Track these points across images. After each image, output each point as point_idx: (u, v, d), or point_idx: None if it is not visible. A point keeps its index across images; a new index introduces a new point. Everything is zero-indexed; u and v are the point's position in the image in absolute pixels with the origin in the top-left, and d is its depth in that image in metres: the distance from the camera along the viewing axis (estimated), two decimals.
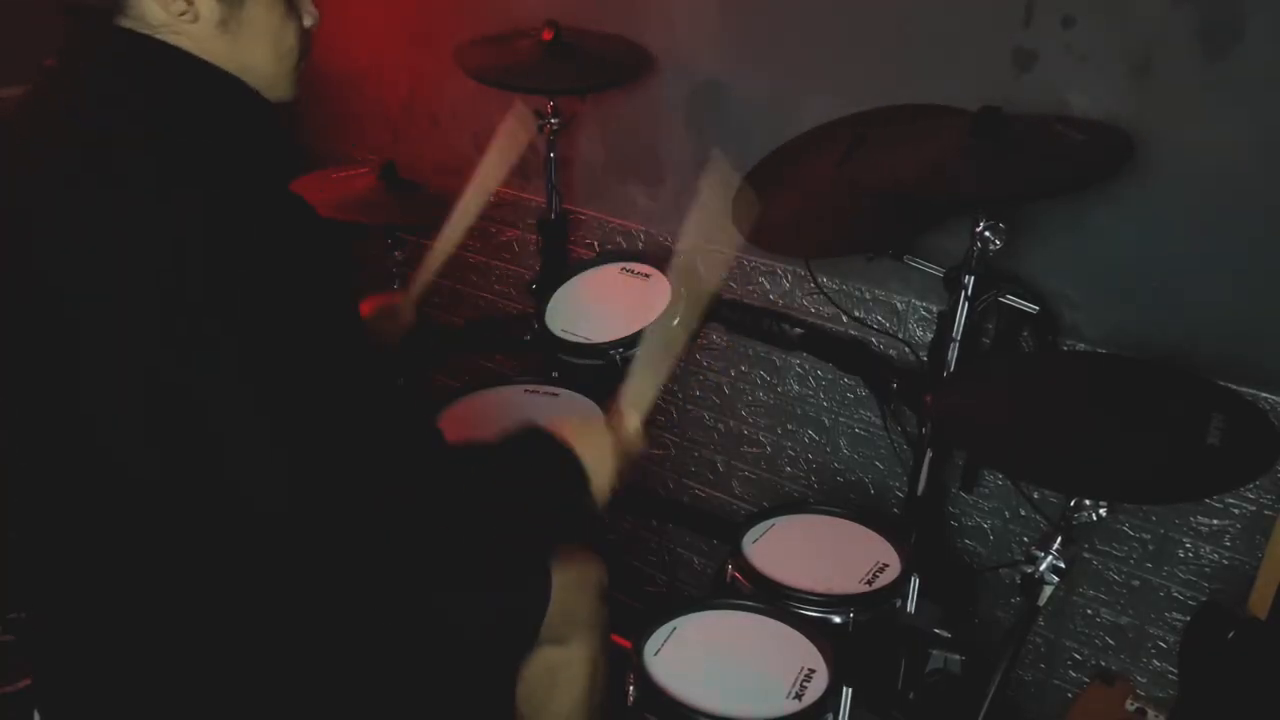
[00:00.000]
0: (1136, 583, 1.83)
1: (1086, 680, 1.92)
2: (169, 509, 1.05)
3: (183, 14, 1.03)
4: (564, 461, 1.23)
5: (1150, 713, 1.72)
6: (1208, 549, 1.74)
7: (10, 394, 1.12)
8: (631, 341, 1.92)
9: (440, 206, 2.23)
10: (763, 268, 2.13)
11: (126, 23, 1.03)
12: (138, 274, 0.95)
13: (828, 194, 1.75)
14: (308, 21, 1.14)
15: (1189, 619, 1.60)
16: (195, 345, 0.95)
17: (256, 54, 1.09)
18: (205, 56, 1.06)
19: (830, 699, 1.40)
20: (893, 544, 1.71)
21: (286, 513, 1.00)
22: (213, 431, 0.98)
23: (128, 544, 1.09)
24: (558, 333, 1.98)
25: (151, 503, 1.05)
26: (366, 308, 1.70)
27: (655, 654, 1.48)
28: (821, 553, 1.69)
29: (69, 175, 1.01)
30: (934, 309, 1.92)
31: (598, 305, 2.04)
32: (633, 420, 1.36)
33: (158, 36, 1.03)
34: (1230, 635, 1.50)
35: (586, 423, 1.30)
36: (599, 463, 1.25)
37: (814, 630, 1.52)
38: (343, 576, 1.12)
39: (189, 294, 0.94)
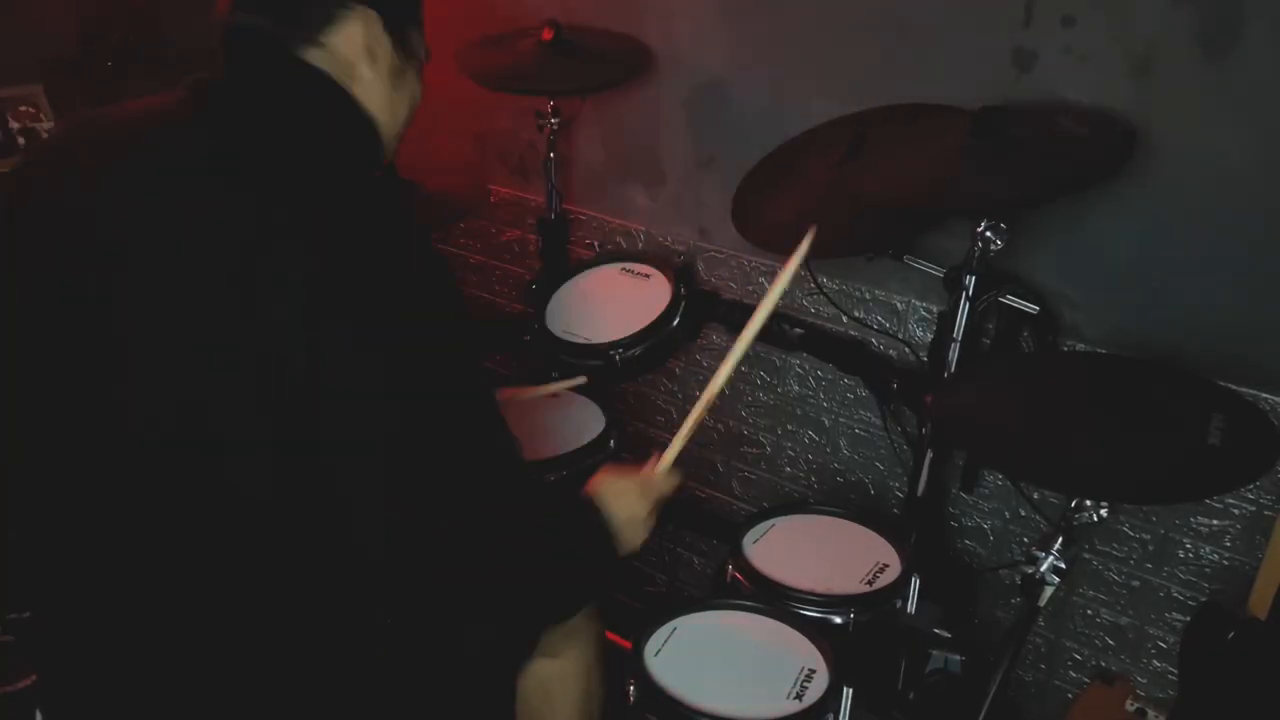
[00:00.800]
0: (1136, 583, 1.83)
1: (1086, 680, 1.92)
2: (196, 513, 1.05)
3: (371, 61, 1.09)
4: (594, 526, 1.24)
5: (1150, 713, 1.71)
6: (1208, 549, 1.74)
7: (33, 391, 1.11)
8: (631, 342, 1.92)
9: (440, 206, 2.24)
10: (763, 268, 2.13)
11: (313, 54, 1.06)
12: (277, 297, 0.95)
13: (828, 194, 1.75)
14: (419, 96, 1.20)
15: (1189, 619, 1.60)
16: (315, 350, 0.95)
17: (400, 112, 1.16)
18: (364, 102, 1.11)
19: (830, 699, 1.40)
20: (893, 544, 1.71)
21: (375, 525, 1.02)
22: (308, 441, 0.98)
23: (137, 544, 1.09)
24: (558, 333, 1.98)
25: (177, 506, 1.05)
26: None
27: (655, 654, 1.49)
28: (821, 553, 1.69)
29: (221, 189, 1.01)
30: (934, 309, 1.92)
31: (598, 305, 2.04)
32: (664, 463, 1.38)
33: (333, 79, 1.08)
34: (1230, 635, 1.50)
35: (616, 476, 1.31)
36: (629, 520, 1.27)
37: (814, 630, 1.52)
38: (378, 590, 1.12)
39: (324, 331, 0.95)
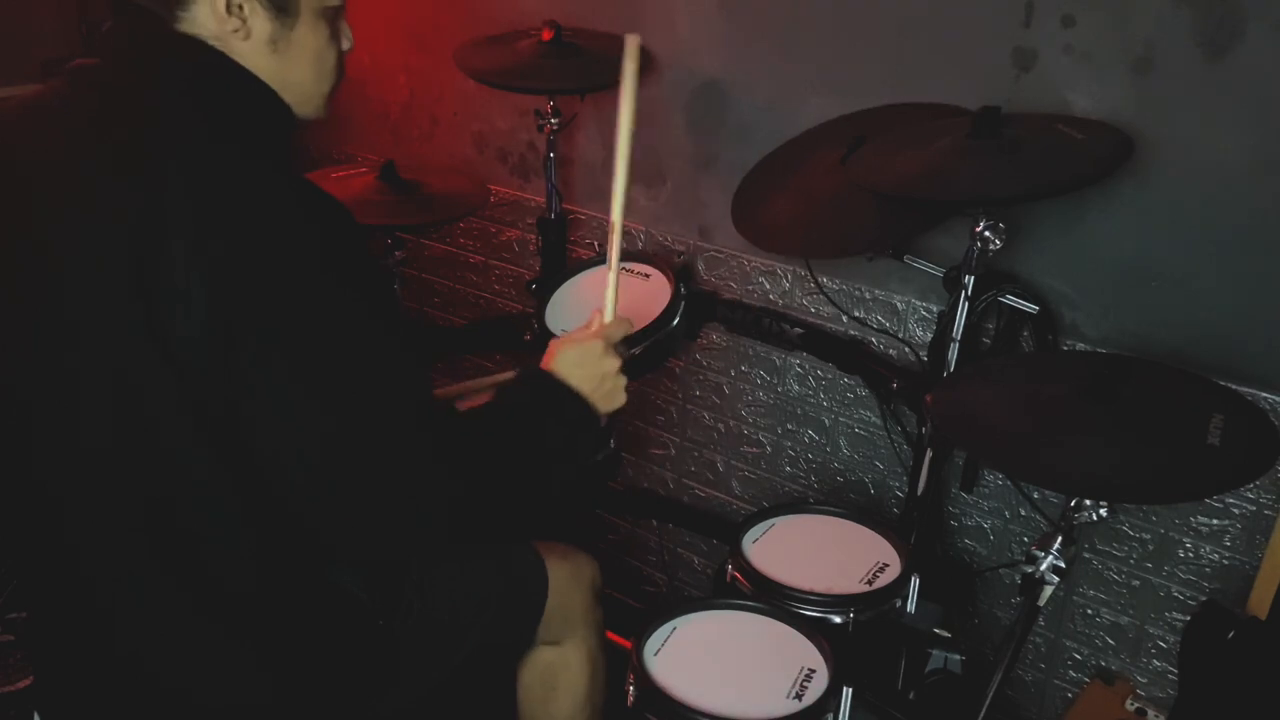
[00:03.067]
0: (1136, 583, 1.83)
1: (1086, 680, 1.92)
2: (188, 504, 1.05)
3: (236, 30, 1.07)
4: (560, 397, 1.22)
5: (1150, 713, 1.72)
6: (1208, 549, 1.74)
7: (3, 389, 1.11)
8: (631, 341, 1.92)
9: (440, 206, 2.24)
10: (763, 268, 2.13)
11: (182, 28, 1.06)
12: (189, 265, 0.96)
13: (828, 194, 1.75)
14: (346, 45, 1.19)
15: (1189, 619, 1.60)
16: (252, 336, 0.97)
17: (300, 73, 1.13)
18: (251, 69, 1.09)
19: (830, 699, 1.40)
20: (893, 544, 1.71)
21: (322, 491, 1.03)
22: (257, 418, 1.00)
23: (135, 544, 1.09)
24: (558, 333, 1.98)
25: (169, 498, 1.05)
26: None
27: (655, 654, 1.48)
28: (821, 553, 1.69)
29: (110, 171, 1.02)
30: (934, 309, 1.92)
31: (598, 305, 2.04)
32: (608, 311, 1.35)
33: (211, 43, 1.07)
34: (1230, 635, 1.50)
35: (570, 344, 1.28)
36: (595, 377, 1.24)
37: (814, 630, 1.52)
38: (361, 555, 1.12)
39: (240, 292, 0.96)
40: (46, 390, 1.06)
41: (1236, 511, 1.69)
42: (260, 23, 1.08)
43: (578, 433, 1.23)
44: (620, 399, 1.26)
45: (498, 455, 1.13)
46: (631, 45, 1.32)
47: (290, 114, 1.15)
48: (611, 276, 1.36)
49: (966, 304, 1.65)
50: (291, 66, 1.12)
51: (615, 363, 1.26)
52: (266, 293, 0.97)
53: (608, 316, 1.34)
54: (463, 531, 1.11)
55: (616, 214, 1.36)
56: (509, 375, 1.65)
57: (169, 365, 0.98)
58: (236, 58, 1.08)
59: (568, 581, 1.49)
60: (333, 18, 1.16)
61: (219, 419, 1.00)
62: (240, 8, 1.06)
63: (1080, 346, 1.77)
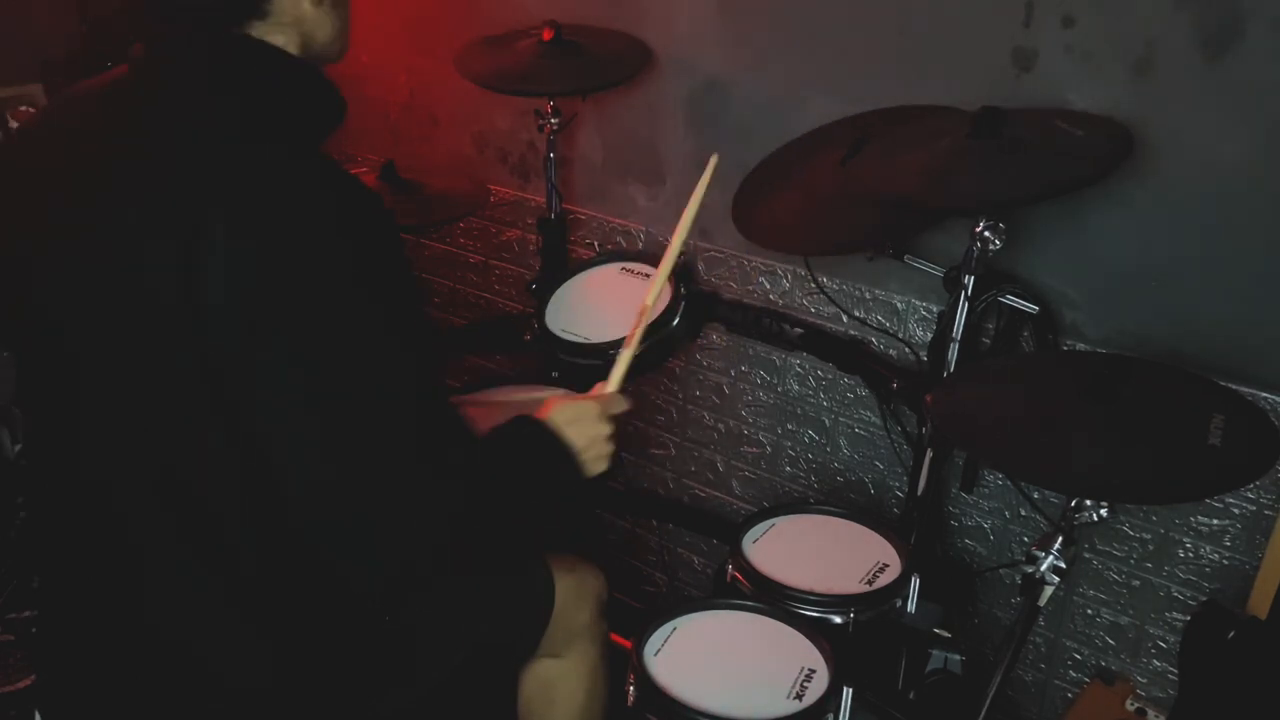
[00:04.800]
0: (1136, 583, 1.83)
1: (1086, 680, 1.92)
2: (193, 507, 1.06)
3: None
4: (552, 448, 1.23)
5: (1150, 713, 1.72)
6: (1208, 549, 1.74)
7: (29, 393, 1.12)
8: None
9: (440, 206, 2.24)
10: (763, 268, 2.13)
11: (258, 27, 1.09)
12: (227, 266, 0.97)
13: (828, 194, 1.75)
14: None
15: (1189, 619, 1.60)
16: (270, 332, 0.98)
17: (345, 26, 1.22)
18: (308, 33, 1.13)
19: (830, 699, 1.40)
20: (893, 544, 1.71)
21: (329, 508, 1.03)
22: (269, 430, 1.00)
23: (136, 544, 1.09)
24: (558, 333, 1.98)
25: (168, 506, 1.05)
26: None
27: (655, 654, 1.49)
28: (821, 553, 1.69)
29: (154, 172, 1.03)
30: (934, 309, 1.92)
31: (598, 305, 2.04)
32: (612, 384, 1.37)
33: (265, 38, 1.09)
34: (1230, 635, 1.50)
35: (569, 401, 1.29)
36: (587, 438, 1.26)
37: (814, 630, 1.52)
38: (360, 572, 1.12)
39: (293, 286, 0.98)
40: (91, 372, 1.07)
41: (1236, 511, 1.69)
42: None
43: (562, 485, 1.25)
44: (604, 465, 1.28)
45: (487, 488, 1.14)
46: (711, 164, 1.40)
47: (340, 102, 1.20)
48: (626, 354, 1.39)
49: (966, 304, 1.65)
50: (344, 22, 1.20)
51: (608, 429, 1.28)
52: (291, 302, 0.98)
53: (611, 387, 1.36)
54: (457, 555, 1.11)
55: (650, 298, 1.40)
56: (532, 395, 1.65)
57: (198, 360, 0.99)
58: (304, 38, 1.12)
59: (572, 594, 1.48)
60: None
61: (233, 414, 1.00)
62: None
63: (1080, 346, 1.77)
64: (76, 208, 1.05)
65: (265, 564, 1.10)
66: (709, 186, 1.41)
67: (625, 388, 1.37)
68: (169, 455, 1.05)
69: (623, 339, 1.87)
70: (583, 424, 1.25)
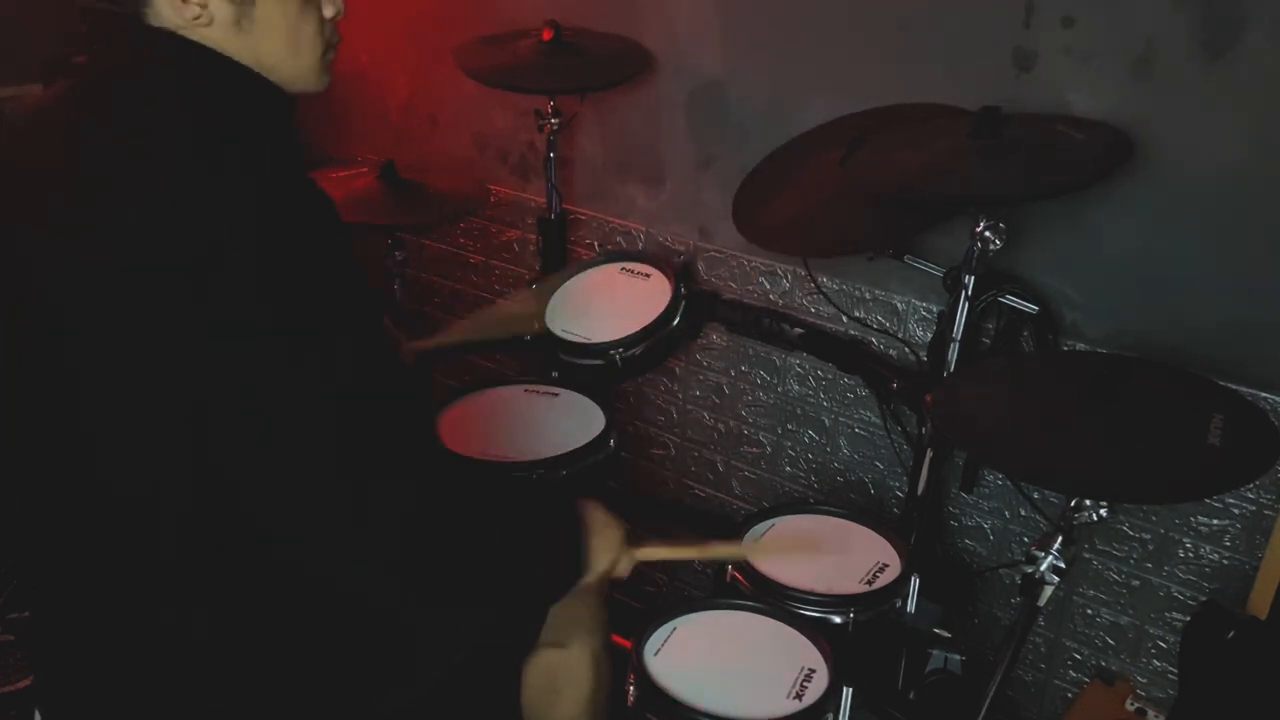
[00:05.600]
0: (1136, 583, 1.83)
1: (1086, 680, 1.92)
2: (182, 512, 1.05)
3: (196, 18, 1.05)
4: (573, 537, 1.28)
5: (1150, 713, 1.72)
6: (1208, 549, 1.74)
7: (17, 397, 1.12)
8: (631, 341, 1.92)
9: (440, 206, 2.24)
10: (763, 268, 2.13)
11: (150, 22, 1.05)
12: (182, 265, 0.96)
13: (828, 194, 1.75)
14: (329, 12, 1.14)
15: (1189, 619, 1.60)
16: (239, 335, 0.96)
17: (273, 49, 1.09)
18: (227, 54, 1.07)
19: (830, 699, 1.40)
20: (893, 544, 1.71)
21: (319, 511, 1.02)
22: (250, 431, 0.99)
23: (135, 543, 1.09)
24: (558, 333, 1.98)
25: (165, 505, 1.05)
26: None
27: (655, 654, 1.48)
28: (822, 552, 1.69)
29: (103, 175, 1.02)
30: (934, 309, 1.92)
31: (598, 305, 2.04)
32: (643, 553, 1.39)
33: (182, 34, 1.05)
34: (1230, 635, 1.50)
35: (610, 522, 1.34)
36: (602, 555, 1.31)
37: (814, 630, 1.52)
38: (352, 579, 1.12)
39: (239, 284, 0.96)
40: (61, 387, 1.07)
41: (1236, 511, 1.69)
42: (219, 7, 1.05)
43: (562, 577, 1.28)
44: (604, 569, 1.32)
45: (449, 488, 1.14)
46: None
47: (280, 93, 1.13)
48: (667, 552, 1.43)
49: (966, 304, 1.65)
50: (263, 44, 1.08)
51: (614, 566, 1.33)
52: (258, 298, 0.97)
53: (642, 555, 1.39)
54: (421, 557, 1.10)
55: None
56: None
57: (193, 362, 0.98)
58: (211, 45, 1.06)
59: None
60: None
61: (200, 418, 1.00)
62: None
63: (1080, 346, 1.77)
64: (76, 207, 1.05)
65: (263, 565, 1.10)
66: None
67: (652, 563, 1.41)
68: (167, 454, 1.05)
69: (622, 340, 1.90)
70: (610, 546, 1.32)
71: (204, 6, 1.04)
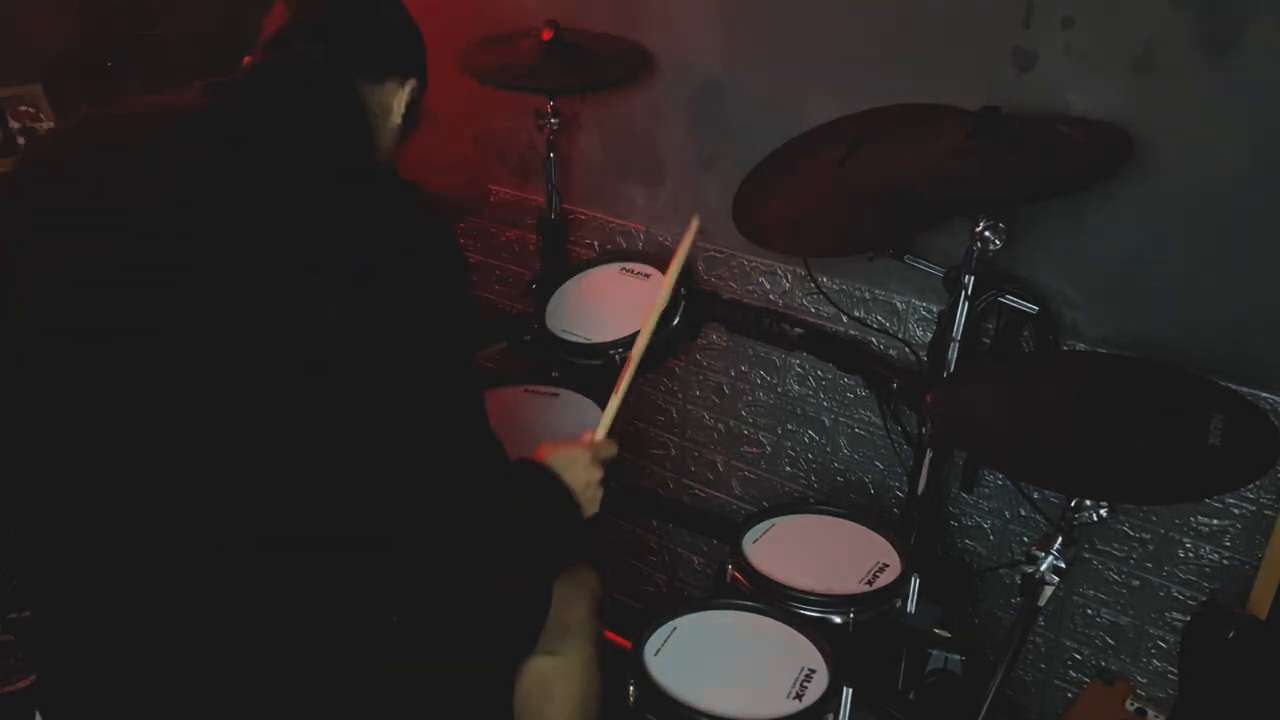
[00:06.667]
0: (1136, 583, 1.83)
1: (1086, 680, 1.92)
2: (204, 508, 1.06)
3: (397, 115, 1.31)
4: (553, 490, 1.31)
5: (1150, 713, 1.71)
6: (1208, 549, 1.74)
7: (45, 389, 1.11)
8: (631, 341, 1.92)
9: (440, 206, 2.23)
10: (763, 268, 2.13)
11: (364, 91, 1.22)
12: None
13: (828, 194, 1.75)
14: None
15: (1189, 619, 1.60)
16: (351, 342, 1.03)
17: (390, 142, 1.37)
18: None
19: (830, 699, 1.40)
20: (893, 544, 1.71)
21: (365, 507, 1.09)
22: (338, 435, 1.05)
23: (136, 543, 1.09)
24: (558, 333, 1.98)
25: (184, 502, 1.06)
26: None
27: (655, 654, 1.49)
28: (821, 553, 1.69)
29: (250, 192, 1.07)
30: (934, 309, 1.92)
31: (598, 305, 2.04)
32: (602, 429, 1.44)
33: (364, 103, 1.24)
34: (1230, 635, 1.50)
35: (561, 447, 1.37)
36: (585, 485, 1.34)
37: (814, 630, 1.52)
38: (368, 582, 1.14)
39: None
40: (121, 391, 1.07)
41: (1236, 511, 1.69)
42: (400, 118, 1.34)
43: (562, 524, 1.33)
44: (596, 507, 1.37)
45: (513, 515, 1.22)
46: (693, 226, 1.52)
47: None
48: (615, 401, 1.46)
49: (966, 304, 1.65)
50: (390, 155, 1.38)
51: (598, 474, 1.37)
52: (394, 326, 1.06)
53: (600, 434, 1.43)
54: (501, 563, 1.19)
55: (637, 351, 1.48)
56: None
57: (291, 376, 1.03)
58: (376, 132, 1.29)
59: (569, 593, 1.49)
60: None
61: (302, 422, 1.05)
62: (401, 106, 1.30)
63: (1080, 346, 1.77)
64: (183, 227, 1.05)
65: (268, 566, 1.10)
66: (692, 244, 1.50)
67: (614, 430, 1.45)
68: (207, 464, 1.05)
69: (622, 340, 1.90)
70: (575, 468, 1.33)
71: (396, 119, 1.32)
